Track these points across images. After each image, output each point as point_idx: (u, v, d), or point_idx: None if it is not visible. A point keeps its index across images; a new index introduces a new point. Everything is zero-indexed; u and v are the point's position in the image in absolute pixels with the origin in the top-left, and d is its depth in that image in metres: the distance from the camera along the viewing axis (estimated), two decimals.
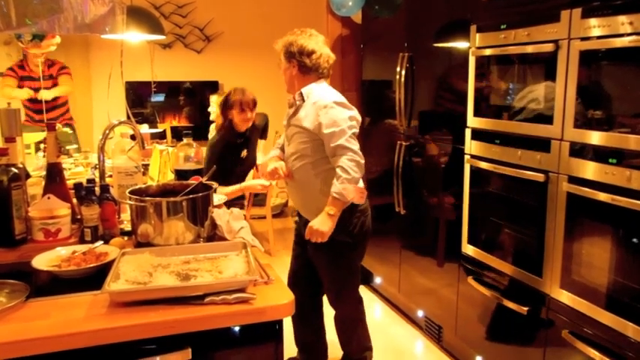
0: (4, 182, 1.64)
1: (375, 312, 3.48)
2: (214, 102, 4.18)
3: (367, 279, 3.82)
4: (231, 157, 3.08)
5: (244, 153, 3.18)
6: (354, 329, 2.56)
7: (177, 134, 5.01)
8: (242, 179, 3.16)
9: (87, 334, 1.17)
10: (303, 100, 2.29)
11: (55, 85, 4.42)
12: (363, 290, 3.78)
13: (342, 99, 2.27)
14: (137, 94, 5.26)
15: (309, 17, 4.96)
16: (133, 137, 2.24)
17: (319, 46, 2.31)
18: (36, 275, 1.51)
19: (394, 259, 3.34)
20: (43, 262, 1.52)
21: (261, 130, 3.42)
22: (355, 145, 2.19)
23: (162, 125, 5.23)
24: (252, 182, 3.22)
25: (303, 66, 2.29)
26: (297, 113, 2.31)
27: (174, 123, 5.40)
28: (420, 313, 3.15)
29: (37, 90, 4.29)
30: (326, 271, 2.40)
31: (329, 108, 2.19)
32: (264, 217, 4.61)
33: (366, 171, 3.70)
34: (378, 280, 3.68)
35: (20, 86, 4.32)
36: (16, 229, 1.67)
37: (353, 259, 2.41)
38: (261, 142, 3.63)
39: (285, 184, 2.52)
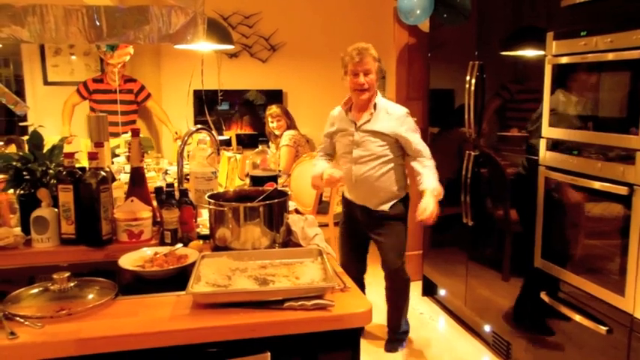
0: (93, 185, 1.72)
1: (440, 325, 3.40)
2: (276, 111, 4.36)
3: (431, 290, 3.75)
4: None
5: None
6: (405, 299, 2.97)
7: (242, 141, 5.15)
8: None
9: (173, 333, 1.21)
10: (375, 109, 2.68)
11: (136, 102, 4.59)
12: (427, 302, 3.73)
13: None
14: (203, 102, 5.41)
15: (376, 26, 4.98)
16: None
17: None
18: (120, 274, 1.59)
19: (460, 272, 3.26)
20: (128, 262, 1.58)
21: None
22: None
23: (227, 133, 5.36)
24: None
25: (379, 72, 2.68)
26: (370, 120, 2.66)
27: (239, 131, 5.52)
28: (487, 328, 3.06)
29: (111, 102, 4.34)
30: (394, 240, 2.82)
31: (407, 117, 2.69)
32: (327, 225, 4.62)
33: None
34: (442, 292, 3.61)
35: (94, 100, 4.46)
36: (103, 230, 1.75)
37: (406, 229, 2.89)
38: None
39: (352, 182, 2.78)
